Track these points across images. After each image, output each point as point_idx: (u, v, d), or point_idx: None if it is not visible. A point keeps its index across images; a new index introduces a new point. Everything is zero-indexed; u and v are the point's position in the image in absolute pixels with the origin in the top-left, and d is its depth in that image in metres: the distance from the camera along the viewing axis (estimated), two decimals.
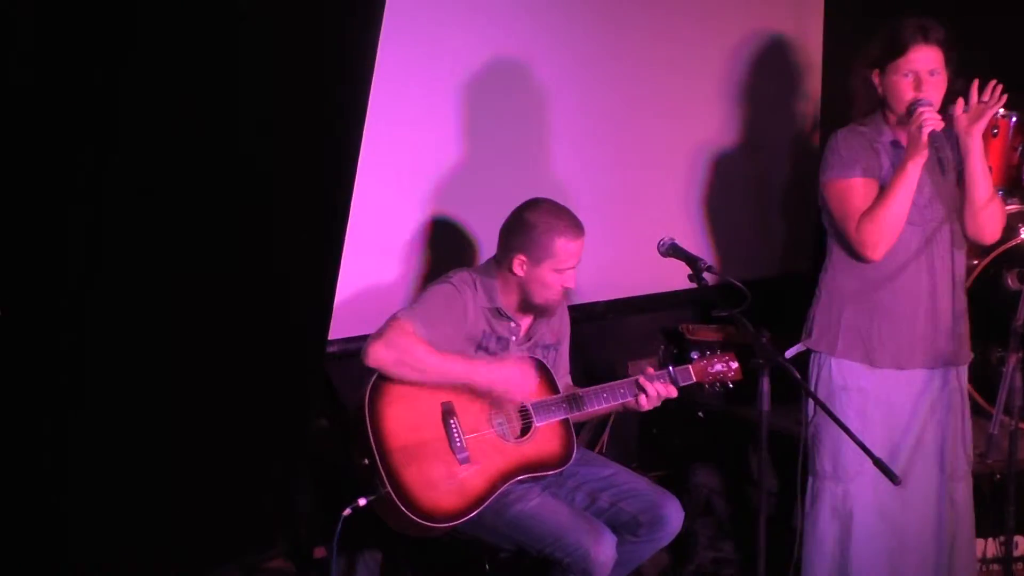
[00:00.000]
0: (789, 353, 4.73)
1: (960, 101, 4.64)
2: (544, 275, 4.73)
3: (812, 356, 4.84)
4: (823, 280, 4.85)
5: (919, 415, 4.76)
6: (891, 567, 4.83)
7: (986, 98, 4.64)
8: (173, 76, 4.14)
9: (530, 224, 4.73)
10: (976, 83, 4.65)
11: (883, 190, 4.64)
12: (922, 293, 4.74)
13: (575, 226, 4.75)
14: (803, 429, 4.83)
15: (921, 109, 4.54)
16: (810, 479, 4.87)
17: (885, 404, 4.76)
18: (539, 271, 4.73)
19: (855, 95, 4.78)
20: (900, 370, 4.75)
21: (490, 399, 4.70)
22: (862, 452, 4.23)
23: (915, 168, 4.56)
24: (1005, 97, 4.64)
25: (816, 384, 4.82)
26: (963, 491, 4.88)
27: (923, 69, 4.61)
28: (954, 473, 4.83)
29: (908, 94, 4.62)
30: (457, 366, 4.63)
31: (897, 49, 4.62)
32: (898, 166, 4.60)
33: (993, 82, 4.64)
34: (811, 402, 4.76)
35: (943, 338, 4.77)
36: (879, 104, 4.73)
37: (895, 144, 4.72)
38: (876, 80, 4.70)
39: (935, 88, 4.63)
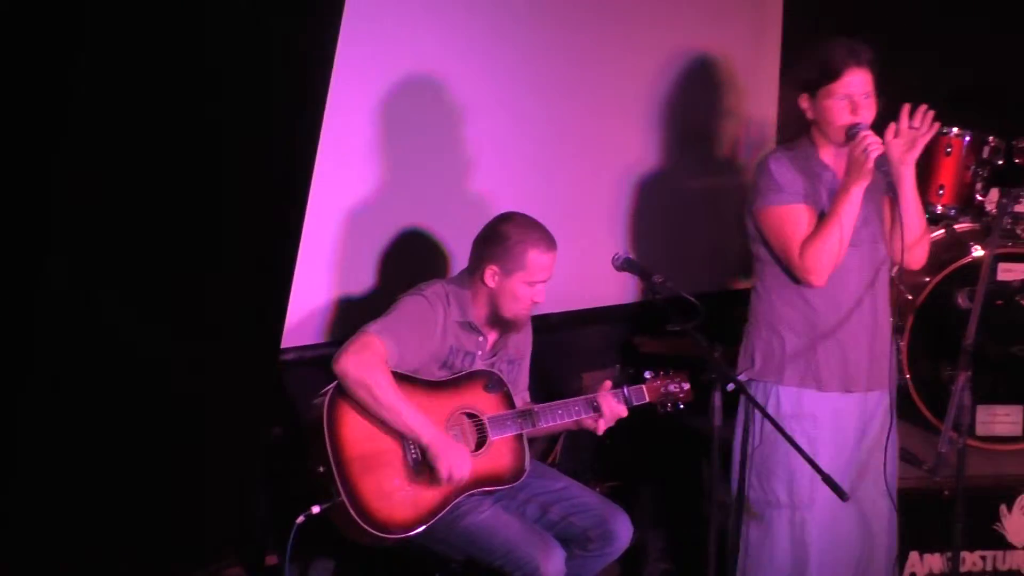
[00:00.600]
0: (730, 387, 4.54)
1: (892, 127, 4.59)
2: (515, 287, 4.71)
3: (755, 385, 4.74)
4: (758, 310, 4.77)
5: (866, 438, 4.75)
6: None
7: (916, 124, 4.60)
8: (125, 75, 4.10)
9: (503, 235, 4.72)
10: (906, 108, 4.61)
11: (822, 215, 4.59)
12: (864, 314, 4.71)
13: (548, 239, 4.74)
14: (737, 451, 4.70)
15: (864, 134, 4.49)
16: (754, 511, 4.77)
17: (833, 429, 4.71)
18: (510, 283, 4.71)
19: (783, 118, 4.72)
20: (847, 393, 4.72)
21: (450, 406, 4.69)
22: (816, 478, 4.23)
23: (858, 192, 4.52)
24: (937, 124, 4.61)
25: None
26: (892, 509, 4.85)
27: (858, 92, 4.57)
28: (890, 491, 4.81)
29: (844, 118, 4.56)
30: (408, 416, 4.58)
31: (831, 73, 4.56)
32: (840, 190, 4.55)
33: (923, 107, 4.61)
34: (756, 430, 4.68)
35: (884, 359, 4.75)
36: (806, 128, 4.68)
37: (826, 168, 4.67)
38: (805, 104, 4.64)
39: (869, 111, 4.59)
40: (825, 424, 4.69)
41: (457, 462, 4.58)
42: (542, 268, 4.73)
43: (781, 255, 4.64)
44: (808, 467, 4.34)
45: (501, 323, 4.81)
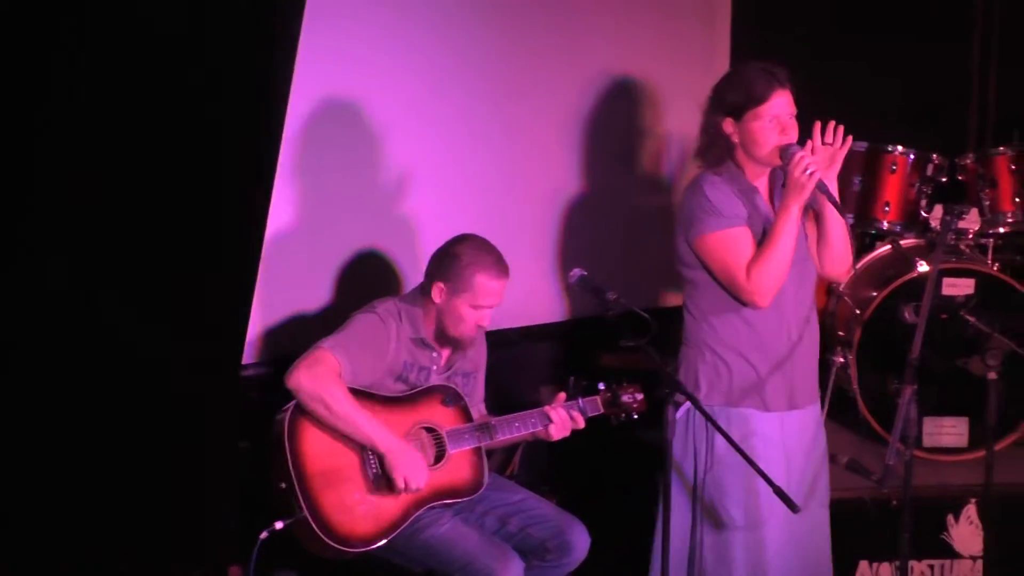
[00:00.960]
0: (679, 414, 4.58)
1: (808, 144, 4.57)
2: (460, 308, 4.75)
3: (695, 410, 4.64)
4: (697, 335, 4.71)
5: (809, 454, 4.78)
6: None
7: (829, 140, 4.60)
8: (98, 86, 4.12)
9: (455, 256, 4.75)
10: (818, 125, 4.62)
11: (762, 237, 4.59)
12: (803, 330, 4.73)
13: (499, 266, 4.76)
14: (689, 473, 4.73)
15: (801, 155, 4.48)
16: (708, 535, 4.74)
17: (782, 447, 4.70)
18: (456, 303, 4.75)
19: (704, 144, 4.67)
20: (790, 410, 4.72)
21: (409, 421, 4.72)
22: (772, 496, 4.24)
23: (798, 211, 4.52)
24: (850, 138, 4.62)
25: (713, 438, 4.64)
26: (824, 516, 4.90)
27: (784, 113, 4.56)
28: (823, 499, 4.88)
29: (774, 139, 4.55)
30: (364, 425, 4.61)
31: (757, 97, 4.54)
32: (780, 210, 4.53)
33: (832, 123, 4.61)
34: (704, 454, 4.67)
35: (815, 373, 4.82)
36: (730, 152, 4.64)
37: (754, 189, 4.67)
38: (730, 129, 4.61)
39: (795, 130, 4.58)
40: (775, 442, 4.68)
41: (413, 470, 4.60)
42: (489, 293, 4.75)
43: (725, 280, 4.61)
44: (764, 487, 4.33)
45: (449, 340, 4.83)
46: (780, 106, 4.57)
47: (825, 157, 4.60)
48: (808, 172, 4.46)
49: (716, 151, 4.65)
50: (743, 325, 4.66)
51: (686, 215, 4.66)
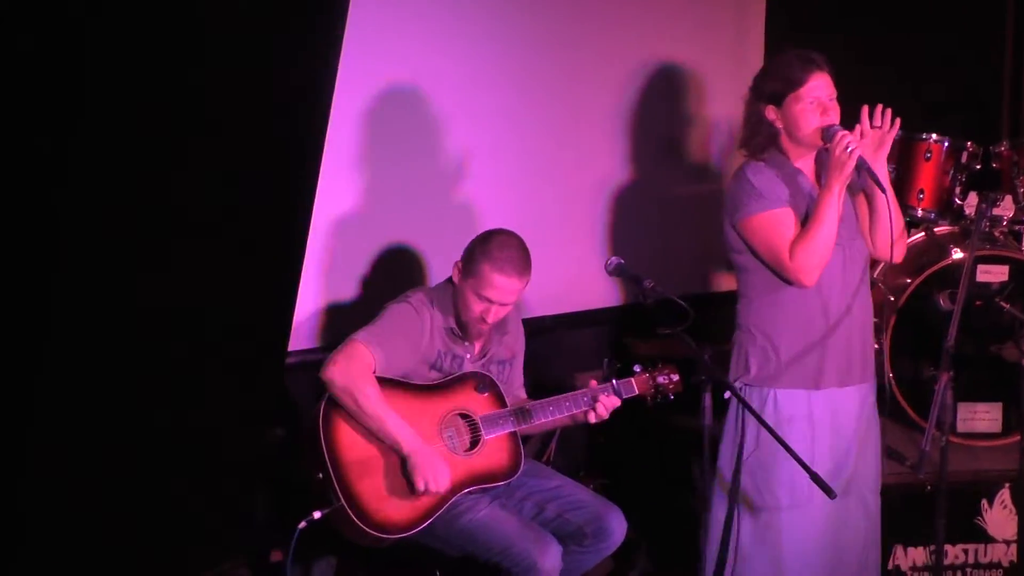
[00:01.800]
0: (728, 395, 4.61)
1: (857, 129, 4.58)
2: (466, 292, 4.73)
3: (750, 391, 4.69)
4: (747, 319, 4.73)
5: (858, 433, 4.75)
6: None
7: (878, 123, 4.62)
8: (130, 80, 4.09)
9: (480, 241, 4.75)
10: (866, 109, 4.62)
11: (805, 218, 4.59)
12: (853, 308, 4.70)
13: (511, 263, 4.70)
14: (725, 455, 4.72)
15: (843, 133, 4.51)
16: (750, 518, 4.73)
17: (830, 427, 4.69)
18: (464, 286, 4.74)
19: (748, 133, 4.70)
20: (842, 387, 4.70)
21: (444, 407, 4.70)
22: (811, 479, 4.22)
23: (841, 190, 4.52)
24: (899, 121, 4.62)
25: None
26: (876, 504, 4.87)
27: (825, 95, 4.59)
28: (877, 485, 4.85)
29: (816, 121, 4.58)
30: (391, 426, 4.59)
31: (795, 81, 4.58)
32: (823, 190, 4.55)
33: (880, 106, 4.63)
34: (752, 435, 4.64)
35: (871, 351, 4.79)
36: (775, 138, 4.66)
37: (799, 172, 4.68)
38: (772, 115, 4.63)
39: (836, 112, 4.61)
40: (824, 422, 4.67)
41: (434, 474, 4.57)
42: (492, 286, 4.70)
43: (770, 260, 4.62)
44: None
45: (462, 326, 4.80)
46: (819, 88, 4.59)
47: (874, 140, 4.61)
48: (849, 150, 4.47)
49: (760, 139, 4.68)
50: (791, 306, 4.66)
51: (731, 201, 4.69)
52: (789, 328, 4.67)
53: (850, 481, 4.71)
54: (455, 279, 4.76)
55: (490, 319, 4.74)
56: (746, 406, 4.42)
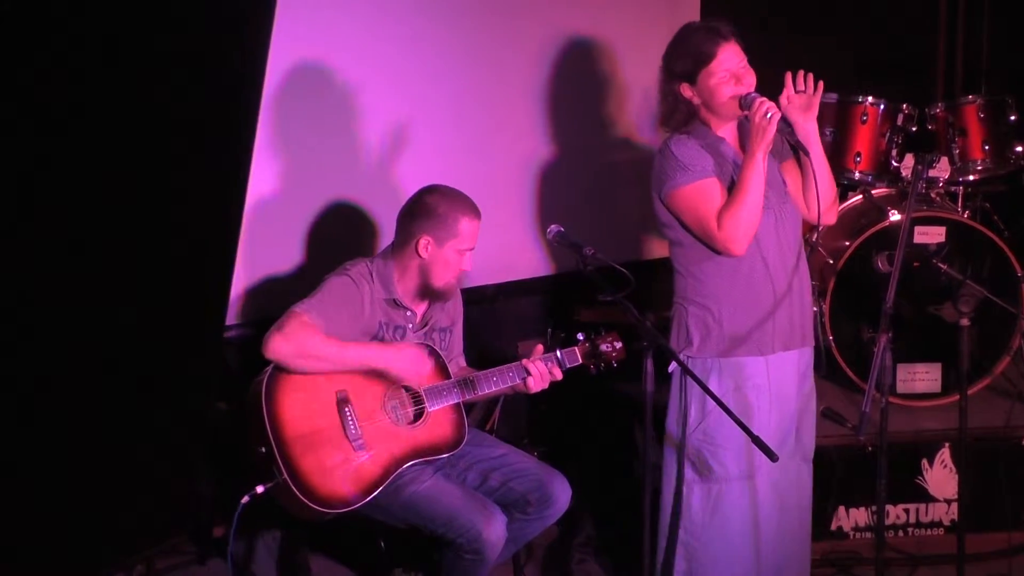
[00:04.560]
0: (672, 369, 4.59)
1: (784, 95, 4.55)
2: (447, 255, 4.65)
3: (693, 362, 4.62)
4: (684, 291, 4.66)
5: (800, 397, 4.72)
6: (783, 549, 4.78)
7: (801, 87, 4.57)
8: (72, 65, 4.00)
9: (432, 206, 4.66)
10: (788, 75, 4.59)
11: (731, 187, 4.53)
12: (789, 272, 4.64)
13: (474, 207, 4.70)
14: (672, 426, 4.67)
15: (760, 100, 4.45)
16: (700, 487, 4.67)
17: (777, 394, 4.65)
18: (443, 252, 4.65)
19: (667, 111, 4.64)
20: (787, 351, 4.66)
21: (386, 381, 4.61)
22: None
23: (763, 156, 4.46)
24: (821, 84, 4.57)
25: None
26: (808, 470, 4.84)
27: (736, 65, 4.53)
28: (807, 453, 4.82)
29: (731, 90, 4.52)
30: (354, 352, 4.54)
31: (705, 56, 4.52)
32: (746, 157, 4.49)
33: (802, 72, 4.59)
34: (694, 408, 4.61)
35: (808, 315, 4.74)
36: (695, 113, 4.60)
37: (722, 141, 4.62)
38: (688, 93, 4.57)
39: (751, 77, 4.55)
40: (770, 388, 4.63)
41: (417, 368, 4.60)
42: (472, 235, 4.68)
43: (699, 231, 4.55)
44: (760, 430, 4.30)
45: (431, 294, 4.73)
46: (729, 59, 4.53)
47: (801, 104, 4.57)
48: (768, 116, 4.42)
49: (679, 116, 4.62)
50: (726, 275, 4.59)
51: (657, 175, 4.62)
52: (729, 297, 4.61)
53: (795, 444, 4.69)
54: (426, 254, 4.65)
55: (470, 266, 4.74)
56: (695, 379, 4.34)
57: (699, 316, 4.62)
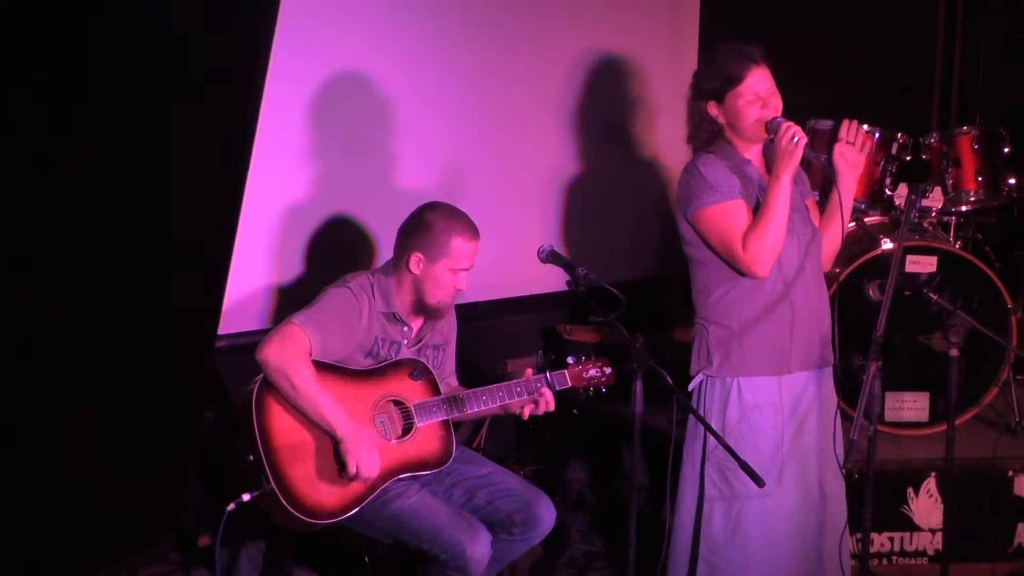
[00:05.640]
0: (692, 386, 4.62)
1: (838, 147, 4.60)
2: (439, 274, 4.63)
3: (713, 382, 4.63)
4: (705, 311, 4.66)
5: (822, 417, 4.70)
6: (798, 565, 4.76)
7: (851, 139, 4.60)
8: (65, 74, 4.00)
9: (428, 223, 4.64)
10: (845, 124, 4.62)
11: (756, 208, 4.55)
12: (810, 294, 4.65)
13: (471, 228, 4.67)
14: (692, 450, 4.68)
15: (787, 125, 4.47)
16: (721, 507, 4.66)
17: (793, 413, 4.64)
18: (435, 269, 4.63)
19: (693, 129, 4.66)
20: (805, 372, 4.66)
21: (376, 394, 4.59)
22: (783, 463, 4.22)
23: (788, 180, 4.48)
24: (869, 143, 4.62)
25: (725, 408, 4.62)
26: (840, 487, 4.81)
27: (763, 89, 4.54)
28: (835, 472, 4.79)
29: (757, 115, 4.54)
30: (325, 408, 4.45)
31: (735, 77, 4.53)
32: (772, 180, 4.51)
33: (855, 125, 4.61)
34: (714, 426, 4.57)
35: (826, 336, 4.73)
36: (720, 133, 4.62)
37: (748, 163, 4.63)
38: (715, 112, 4.58)
39: (778, 102, 4.57)
40: (787, 409, 4.63)
41: (366, 459, 4.45)
42: (466, 256, 4.65)
43: (724, 252, 4.55)
44: (773, 455, 4.33)
45: (425, 310, 4.71)
46: (758, 83, 4.55)
47: (850, 159, 4.61)
48: (795, 140, 4.44)
49: (705, 135, 4.64)
50: (747, 295, 4.61)
51: (684, 194, 4.63)
52: (751, 317, 4.61)
53: (816, 465, 4.67)
54: (417, 270, 4.64)
55: (465, 286, 4.70)
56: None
57: (720, 336, 4.62)
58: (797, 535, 4.69)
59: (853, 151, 4.62)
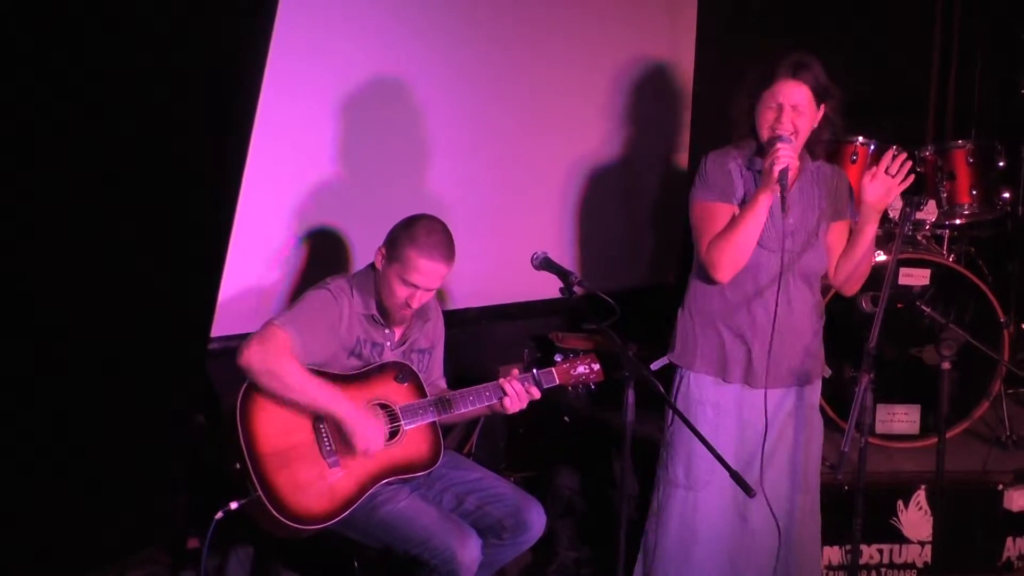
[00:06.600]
0: (655, 366, 4.68)
1: (871, 170, 4.55)
2: (390, 277, 4.59)
3: (674, 367, 4.76)
4: (686, 298, 4.76)
5: (773, 430, 4.68)
6: (732, 570, 4.77)
7: (893, 171, 4.54)
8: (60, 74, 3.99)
9: (402, 227, 4.62)
10: (890, 154, 4.59)
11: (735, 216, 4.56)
12: (779, 316, 4.60)
13: (436, 248, 4.57)
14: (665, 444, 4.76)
15: (779, 145, 4.45)
16: (660, 487, 4.80)
17: (737, 419, 4.69)
18: (388, 272, 4.60)
19: (732, 119, 4.68)
20: (749, 388, 4.67)
21: (362, 398, 4.56)
22: (714, 462, 4.17)
23: (765, 199, 4.46)
24: (911, 178, 4.55)
25: (676, 396, 4.74)
26: (811, 503, 4.83)
27: (786, 103, 4.52)
28: (805, 485, 4.78)
29: (767, 124, 4.54)
30: (320, 392, 4.44)
31: (766, 81, 4.54)
32: (752, 195, 4.51)
33: (902, 156, 4.57)
34: (669, 412, 4.69)
35: (798, 358, 4.70)
36: (752, 130, 4.62)
37: (760, 171, 4.61)
38: (748, 108, 4.61)
39: (798, 122, 4.53)
40: (730, 412, 4.69)
41: (370, 434, 4.46)
42: (416, 270, 4.56)
43: (696, 247, 4.63)
44: (705, 454, 4.27)
45: (384, 312, 4.66)
46: (782, 94, 4.54)
47: (883, 187, 4.56)
48: (773, 163, 4.41)
49: (742, 127, 4.67)
50: (715, 293, 4.67)
51: (694, 180, 4.70)
52: (707, 314, 4.69)
53: (757, 481, 4.64)
54: (378, 265, 4.63)
55: (415, 304, 4.62)
56: (662, 396, 4.32)
57: (687, 326, 4.73)
58: (714, 536, 4.74)
59: (887, 180, 4.54)
